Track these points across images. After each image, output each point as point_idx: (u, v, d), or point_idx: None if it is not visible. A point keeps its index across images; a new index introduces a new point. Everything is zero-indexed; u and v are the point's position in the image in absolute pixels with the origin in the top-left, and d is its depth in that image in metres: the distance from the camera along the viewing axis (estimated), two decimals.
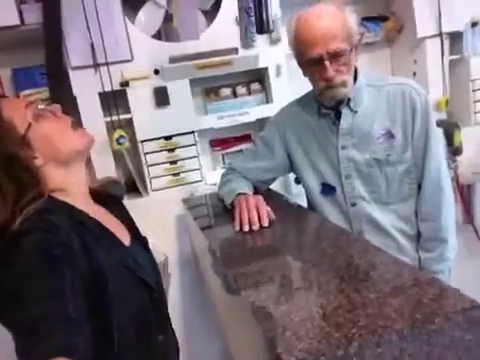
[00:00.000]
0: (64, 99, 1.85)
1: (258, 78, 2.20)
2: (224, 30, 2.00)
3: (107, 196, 1.10)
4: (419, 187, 1.39)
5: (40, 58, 1.84)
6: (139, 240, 1.08)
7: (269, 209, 1.33)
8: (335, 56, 1.25)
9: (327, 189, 1.45)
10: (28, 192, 0.85)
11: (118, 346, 0.83)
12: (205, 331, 2.11)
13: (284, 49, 2.09)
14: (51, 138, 0.91)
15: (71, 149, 0.94)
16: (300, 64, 1.36)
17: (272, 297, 0.87)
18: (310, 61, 1.28)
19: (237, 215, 1.33)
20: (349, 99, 1.35)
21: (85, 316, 0.73)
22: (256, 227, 1.28)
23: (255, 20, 1.45)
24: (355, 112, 1.37)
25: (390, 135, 1.35)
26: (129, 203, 1.90)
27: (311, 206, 1.54)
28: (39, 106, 0.93)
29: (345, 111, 1.37)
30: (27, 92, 1.95)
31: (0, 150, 0.86)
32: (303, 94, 1.53)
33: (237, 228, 1.31)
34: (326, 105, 1.39)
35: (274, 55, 2.09)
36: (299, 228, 1.31)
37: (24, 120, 0.89)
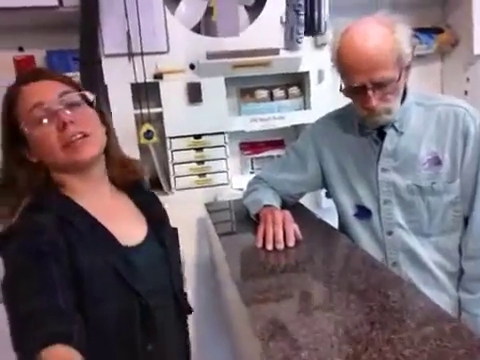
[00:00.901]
0: (94, 87, 1.80)
1: (298, 82, 2.09)
2: (267, 29, 1.89)
3: (134, 185, 1.05)
4: (465, 221, 1.25)
5: (75, 42, 1.78)
6: (157, 234, 1.00)
7: (296, 227, 1.23)
8: (380, 85, 1.13)
9: (362, 212, 1.33)
10: (36, 177, 0.89)
11: (95, 347, 0.79)
12: (217, 339, 2.03)
13: (329, 54, 1.98)
14: (38, 147, 0.89)
15: (55, 163, 0.90)
16: (342, 82, 1.23)
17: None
18: (354, 87, 1.16)
19: (261, 230, 1.23)
20: (395, 119, 1.23)
21: (75, 308, 0.75)
22: (280, 246, 1.18)
23: (305, 20, 1.33)
24: (401, 133, 1.24)
25: (437, 161, 1.22)
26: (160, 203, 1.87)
27: (342, 227, 1.42)
28: (52, 107, 0.87)
29: (390, 132, 1.25)
30: None
31: (6, 140, 0.88)
32: (345, 105, 1.40)
33: (259, 244, 1.21)
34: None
35: (317, 59, 1.97)
36: (327, 253, 1.19)
37: (25, 118, 0.87)
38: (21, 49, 2.01)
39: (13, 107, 0.88)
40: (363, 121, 1.26)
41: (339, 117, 1.39)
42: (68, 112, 0.87)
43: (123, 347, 0.88)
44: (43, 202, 0.86)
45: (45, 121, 0.86)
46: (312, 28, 1.30)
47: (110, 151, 0.99)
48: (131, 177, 1.04)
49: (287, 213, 1.27)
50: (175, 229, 1.10)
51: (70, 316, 0.73)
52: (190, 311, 1.11)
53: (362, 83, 1.13)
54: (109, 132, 0.99)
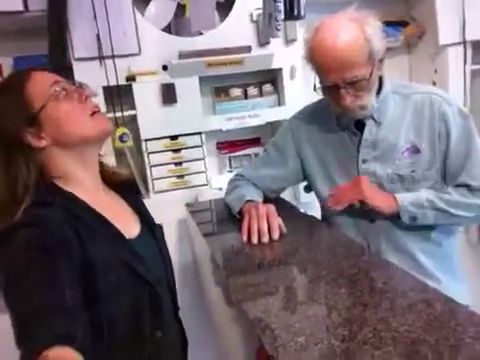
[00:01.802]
0: None
1: (271, 79, 2.10)
2: (238, 27, 1.90)
3: (122, 182, 1.05)
4: None
5: (43, 47, 1.75)
6: (150, 229, 1.03)
7: (280, 220, 1.23)
8: (353, 83, 1.14)
9: None
10: (27, 173, 0.84)
11: (108, 340, 0.82)
12: (200, 340, 2.00)
13: (300, 50, 1.99)
14: (63, 121, 0.88)
15: (81, 135, 0.89)
16: (316, 83, 1.24)
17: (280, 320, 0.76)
18: (326, 87, 1.18)
19: (245, 224, 1.23)
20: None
21: (81, 306, 0.73)
22: (265, 239, 1.18)
23: (284, 3, 1.32)
24: (379, 123, 1.26)
25: (415, 150, 1.23)
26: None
27: (324, 219, 1.43)
28: (67, 86, 0.90)
29: (369, 122, 1.25)
30: None
31: (4, 126, 0.85)
32: (321, 98, 1.41)
33: (245, 238, 1.20)
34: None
35: (289, 56, 1.99)
36: (312, 242, 1.20)
37: (43, 97, 0.86)
38: None
39: (23, 92, 0.86)
40: (339, 117, 1.27)
41: (317, 110, 1.40)
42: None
43: (133, 338, 0.89)
44: (46, 197, 0.83)
45: (66, 96, 0.87)
46: (292, 12, 1.29)
47: None
48: (120, 177, 1.05)
49: (271, 206, 1.27)
50: (160, 226, 1.09)
51: (76, 315, 0.71)
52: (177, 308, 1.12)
53: (335, 82, 1.14)
54: None
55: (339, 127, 1.31)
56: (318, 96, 1.38)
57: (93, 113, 0.90)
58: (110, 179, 1.02)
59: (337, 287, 0.88)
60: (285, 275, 1.00)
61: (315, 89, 1.23)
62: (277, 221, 1.21)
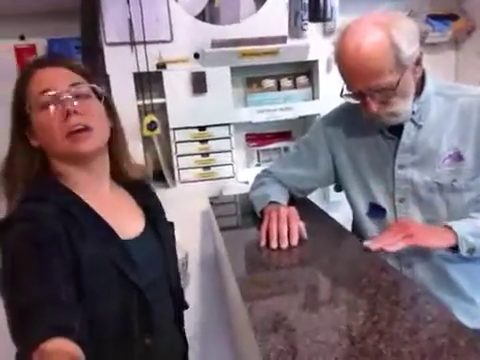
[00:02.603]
0: (96, 76, 1.75)
1: (306, 71, 2.02)
2: (273, 16, 1.82)
3: (134, 178, 1.04)
4: None
5: (76, 30, 1.74)
6: (154, 229, 1.00)
7: (302, 224, 1.17)
8: (379, 91, 1.07)
9: (375, 211, 1.26)
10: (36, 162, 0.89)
11: (97, 340, 0.81)
12: (220, 334, 2.00)
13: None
14: (42, 133, 0.88)
15: (57, 151, 0.89)
16: (343, 87, 1.18)
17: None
18: (352, 93, 1.12)
19: (264, 227, 1.19)
20: (413, 112, 1.15)
21: (76, 300, 0.74)
22: (284, 245, 1.13)
23: (309, 5, 1.25)
24: (419, 126, 1.17)
25: (458, 157, 1.14)
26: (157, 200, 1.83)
27: (355, 225, 1.36)
28: (61, 94, 0.87)
29: (408, 125, 1.17)
30: None
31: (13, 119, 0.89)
32: None
33: (263, 243, 1.16)
34: None
35: (326, 47, 1.89)
36: (334, 253, 1.13)
37: (33, 101, 0.87)
38: (22, 38, 1.96)
39: (25, 87, 0.88)
40: (370, 122, 1.19)
41: (352, 109, 1.29)
42: (75, 103, 0.87)
43: (121, 341, 0.87)
44: (41, 192, 0.84)
45: (52, 107, 0.86)
46: (316, 14, 1.21)
47: (113, 147, 0.99)
48: (133, 176, 1.03)
49: (292, 210, 1.21)
50: (171, 223, 1.08)
51: (72, 308, 0.71)
52: (186, 307, 1.10)
53: (358, 90, 1.10)
54: (115, 128, 0.99)
55: (375, 129, 1.23)
56: None
57: (69, 134, 0.86)
58: (122, 178, 1.01)
59: (354, 310, 0.83)
60: (298, 286, 0.95)
61: (342, 95, 1.16)
62: (297, 226, 1.16)
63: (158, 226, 1.02)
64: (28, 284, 0.71)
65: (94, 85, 0.94)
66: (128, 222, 0.96)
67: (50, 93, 0.86)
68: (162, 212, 1.09)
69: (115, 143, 0.99)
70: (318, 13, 1.21)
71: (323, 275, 0.99)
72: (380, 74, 1.05)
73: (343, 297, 0.88)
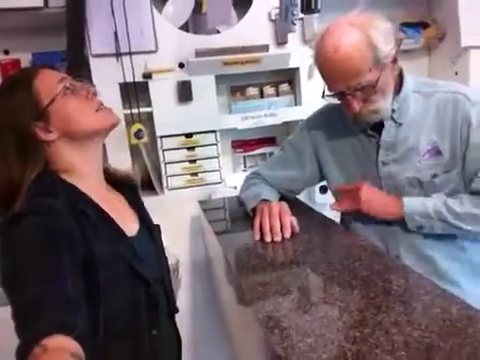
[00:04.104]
0: None
1: (288, 79, 2.09)
2: (255, 25, 1.89)
3: (123, 180, 1.08)
4: None
5: (61, 43, 1.76)
6: (148, 229, 1.04)
7: (294, 219, 1.21)
8: (360, 90, 1.11)
9: None
10: (33, 165, 0.86)
11: (105, 336, 0.82)
12: (214, 338, 2.00)
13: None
14: (71, 116, 0.90)
15: (87, 130, 0.92)
16: (325, 89, 1.20)
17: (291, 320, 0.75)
18: (333, 94, 1.16)
19: (257, 223, 1.22)
20: (393, 110, 1.19)
21: (82, 296, 0.74)
22: (278, 238, 1.16)
23: None
24: (399, 124, 1.21)
25: (437, 151, 1.18)
26: (143, 201, 1.84)
27: (343, 222, 1.40)
28: (75, 83, 0.93)
29: (388, 123, 1.21)
30: None
31: (15, 120, 0.87)
32: None
33: (257, 237, 1.19)
34: None
35: (306, 55, 1.95)
36: (326, 243, 1.18)
37: (51, 92, 0.89)
38: (6, 52, 1.97)
39: (30, 89, 0.88)
40: (353, 121, 1.23)
41: (335, 110, 1.34)
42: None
43: (131, 333, 0.90)
44: (51, 188, 0.84)
45: (72, 92, 0.91)
46: (309, 4, 1.27)
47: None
48: (119, 175, 1.07)
49: (284, 204, 1.25)
50: (158, 226, 1.09)
51: (77, 306, 0.71)
52: (176, 310, 1.11)
53: (339, 90, 1.12)
54: None
55: (358, 128, 1.27)
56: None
57: (98, 109, 0.94)
58: (111, 177, 1.04)
59: (350, 289, 0.86)
60: (296, 275, 0.98)
61: (323, 96, 1.20)
62: (289, 219, 1.20)
63: (150, 226, 1.05)
64: (36, 278, 0.71)
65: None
66: (127, 220, 0.98)
67: (67, 81, 0.91)
68: (149, 215, 1.11)
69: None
70: (309, 4, 1.26)
71: (318, 264, 1.01)
72: (360, 73, 1.08)
73: (339, 279, 0.91)
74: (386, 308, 0.77)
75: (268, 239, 1.16)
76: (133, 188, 1.10)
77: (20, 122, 0.86)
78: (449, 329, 0.69)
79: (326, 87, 1.18)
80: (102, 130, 0.95)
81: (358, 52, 1.07)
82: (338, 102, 1.21)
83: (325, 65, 1.12)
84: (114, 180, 1.05)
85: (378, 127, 1.23)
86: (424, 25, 2.25)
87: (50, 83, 0.89)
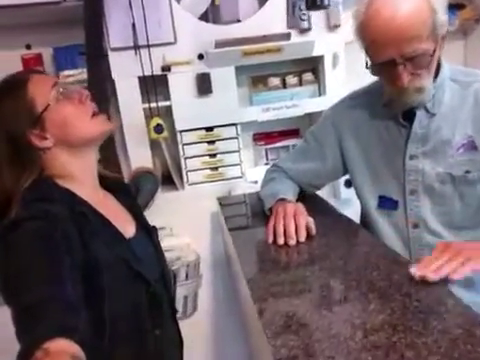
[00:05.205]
0: (101, 82, 1.76)
1: (311, 68, 2.00)
2: (276, 14, 1.81)
3: (116, 183, 1.07)
4: None
5: (81, 37, 1.74)
6: (145, 230, 1.04)
7: (311, 220, 1.16)
8: (412, 60, 1.00)
9: (386, 203, 1.21)
10: (29, 173, 0.86)
11: (109, 339, 0.82)
12: (234, 335, 1.98)
13: (343, 37, 1.89)
14: (66, 122, 0.89)
15: (83, 137, 0.92)
16: (366, 58, 1.10)
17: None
18: (379, 64, 1.04)
19: (271, 224, 1.17)
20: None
21: (83, 300, 0.74)
22: (292, 242, 1.11)
23: None
24: (432, 114, 1.12)
25: (472, 146, 1.09)
26: (163, 196, 1.84)
27: (364, 220, 1.32)
28: (67, 87, 0.93)
29: (420, 113, 1.12)
30: (66, 73, 1.86)
31: (11, 127, 0.86)
32: (369, 83, 1.26)
33: (270, 240, 1.15)
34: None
35: (331, 43, 1.88)
36: (345, 248, 1.11)
37: (45, 99, 0.87)
38: (29, 47, 1.98)
39: (25, 94, 0.87)
40: (391, 103, 1.12)
41: (364, 96, 1.26)
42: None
43: (135, 333, 0.90)
44: (47, 193, 0.84)
45: (67, 97, 0.89)
46: (313, 1, 1.19)
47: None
48: (111, 179, 1.06)
49: (299, 206, 1.20)
50: (155, 228, 1.10)
51: (77, 309, 0.71)
52: (175, 311, 1.12)
53: (391, 58, 1.00)
54: None
55: (387, 117, 1.18)
56: (361, 84, 1.29)
57: (93, 114, 0.92)
58: (103, 181, 1.03)
59: (366, 302, 0.81)
60: (310, 284, 0.93)
61: (367, 66, 1.09)
62: (305, 221, 1.14)
63: (147, 228, 1.05)
64: (35, 282, 0.71)
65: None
66: (124, 223, 0.97)
67: (60, 85, 0.89)
68: (145, 217, 1.10)
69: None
70: (315, 1, 1.18)
71: (334, 271, 0.96)
72: (418, 38, 0.98)
73: (355, 291, 0.86)
74: (403, 327, 0.72)
75: (281, 242, 1.12)
76: (126, 191, 1.10)
77: (14, 130, 0.85)
78: (471, 355, 0.63)
79: (370, 57, 1.07)
80: (98, 136, 0.94)
81: (419, 14, 0.98)
82: (379, 76, 1.11)
83: (378, 27, 1.00)
84: (107, 184, 1.04)
85: (409, 117, 1.14)
86: (459, 6, 2.11)
87: (43, 88, 0.87)
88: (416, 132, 1.13)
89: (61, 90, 0.89)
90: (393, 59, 1.01)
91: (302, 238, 1.11)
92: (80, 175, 0.92)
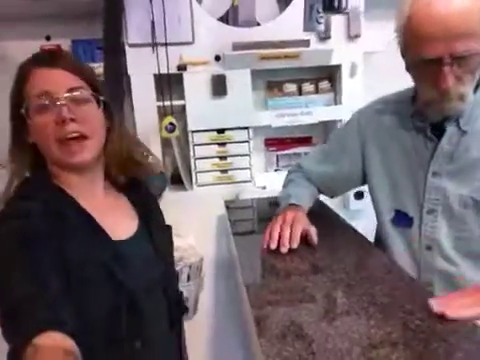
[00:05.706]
0: (117, 77, 1.76)
1: (328, 76, 1.98)
2: (296, 19, 1.80)
3: (130, 182, 1.00)
4: None
5: (100, 31, 1.75)
6: (147, 230, 0.97)
7: (313, 229, 1.13)
8: (460, 60, 0.93)
9: (400, 219, 1.14)
10: (29, 157, 0.88)
11: (82, 344, 0.75)
12: (235, 338, 1.96)
13: (362, 47, 1.87)
14: (37, 136, 0.86)
15: (49, 156, 0.88)
16: (408, 58, 1.02)
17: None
18: (425, 62, 0.95)
19: (267, 230, 1.15)
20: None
21: (67, 298, 0.72)
22: (284, 249, 1.08)
23: None
24: (464, 132, 1.03)
25: None
26: (171, 196, 1.83)
27: (377, 233, 1.27)
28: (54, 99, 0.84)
29: (451, 128, 1.04)
30: None
31: (11, 107, 0.87)
32: (400, 91, 1.18)
33: (264, 245, 1.12)
34: (428, 118, 1.07)
35: (350, 52, 1.86)
36: (349, 260, 1.08)
37: (30, 102, 0.84)
38: (48, 38, 1.99)
39: (21, 87, 0.86)
40: (427, 108, 1.03)
41: (391, 104, 1.19)
42: (71, 109, 0.83)
43: (109, 344, 0.83)
44: (30, 191, 0.84)
45: (47, 113, 0.83)
46: (331, 4, 1.17)
47: (108, 147, 0.94)
48: (130, 174, 1.00)
49: (299, 213, 1.17)
50: (169, 226, 1.05)
51: (62, 304, 0.70)
52: (185, 310, 1.06)
53: (439, 56, 0.92)
54: (112, 128, 0.95)
55: (415, 128, 1.10)
56: (379, 95, 1.25)
57: (65, 139, 0.83)
58: (116, 178, 0.98)
59: (365, 317, 0.78)
60: (310, 294, 0.90)
61: (407, 68, 1.03)
62: (300, 229, 1.11)
63: (151, 227, 0.98)
64: (16, 281, 0.71)
65: (93, 92, 0.88)
66: (119, 223, 0.93)
67: (48, 96, 0.83)
68: (159, 213, 1.06)
69: (110, 143, 0.94)
70: (332, 4, 1.16)
71: (336, 283, 0.94)
72: (471, 36, 0.90)
73: (355, 305, 0.83)
74: (403, 346, 0.69)
75: (273, 247, 1.09)
76: (137, 189, 1.03)
77: (12, 112, 0.87)
78: None
79: (412, 55, 0.99)
80: (63, 164, 0.87)
81: (474, 9, 0.91)
82: (419, 80, 1.02)
83: (427, 22, 0.93)
84: (121, 183, 0.99)
85: (438, 131, 1.06)
86: None
87: (33, 91, 0.83)
88: (443, 148, 1.05)
89: (43, 102, 0.83)
90: (440, 57, 0.93)
91: (294, 245, 1.09)
92: (67, 176, 0.89)
